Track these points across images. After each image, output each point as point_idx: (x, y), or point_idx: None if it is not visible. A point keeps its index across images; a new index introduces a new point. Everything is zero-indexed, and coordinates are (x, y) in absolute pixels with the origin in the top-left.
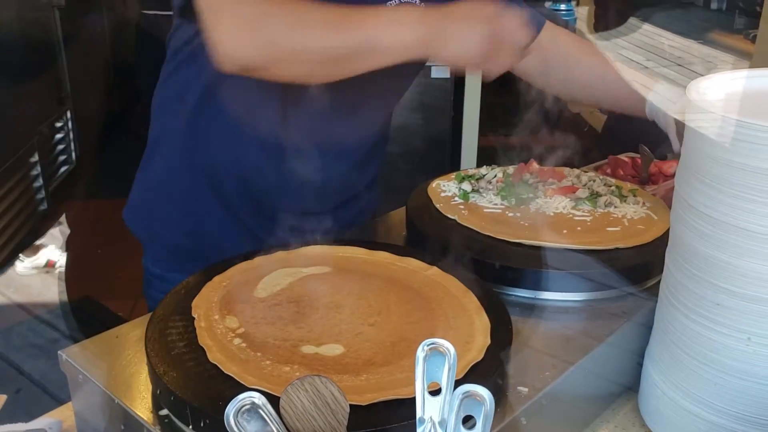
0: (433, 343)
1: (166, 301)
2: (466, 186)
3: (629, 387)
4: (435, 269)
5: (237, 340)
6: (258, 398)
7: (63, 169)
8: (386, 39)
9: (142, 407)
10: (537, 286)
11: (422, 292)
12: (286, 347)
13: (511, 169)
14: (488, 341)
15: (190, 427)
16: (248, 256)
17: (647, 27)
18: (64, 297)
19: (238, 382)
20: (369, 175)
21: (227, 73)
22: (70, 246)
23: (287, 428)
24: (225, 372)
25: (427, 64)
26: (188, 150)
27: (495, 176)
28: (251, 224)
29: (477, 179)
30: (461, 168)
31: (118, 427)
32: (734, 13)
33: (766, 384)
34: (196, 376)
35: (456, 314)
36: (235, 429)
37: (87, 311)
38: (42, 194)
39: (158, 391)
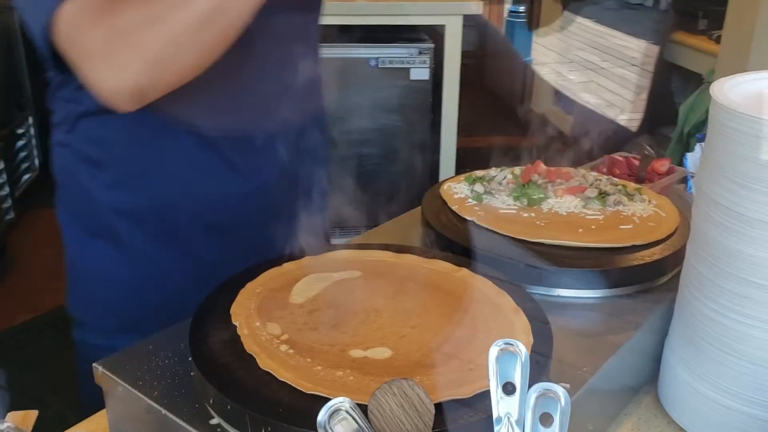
0: (505, 343)
1: (202, 310)
2: (479, 188)
3: (649, 380)
4: (465, 270)
5: (284, 347)
6: (348, 403)
7: (26, 176)
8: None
9: (191, 417)
10: (561, 284)
11: (456, 293)
12: (335, 352)
13: (518, 170)
14: (531, 340)
15: None
16: (276, 262)
17: (600, 28)
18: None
19: (293, 388)
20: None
21: (125, 111)
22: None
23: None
24: (279, 378)
25: (407, 66)
26: (126, 208)
27: (505, 177)
28: (211, 259)
29: (488, 181)
30: (440, 170)
31: None
32: (697, 13)
33: None
34: (249, 384)
35: (494, 315)
36: None
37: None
38: (8, 203)
39: (211, 400)
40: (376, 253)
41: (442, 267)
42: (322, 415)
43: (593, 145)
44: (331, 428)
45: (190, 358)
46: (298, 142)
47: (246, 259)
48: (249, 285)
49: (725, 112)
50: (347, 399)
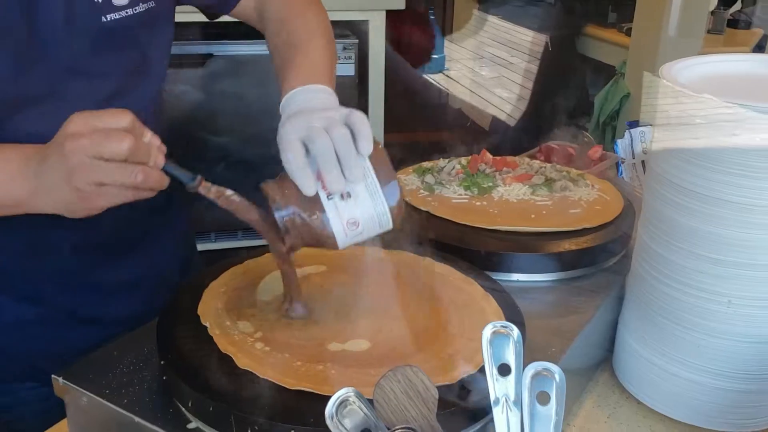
0: (499, 326)
1: (166, 313)
2: (430, 179)
3: (604, 358)
4: (429, 260)
5: (259, 345)
6: (354, 394)
7: None
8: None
9: (167, 423)
10: (521, 269)
11: (424, 283)
12: (312, 346)
13: (464, 161)
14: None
15: None
16: (238, 260)
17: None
18: None
19: (274, 385)
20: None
21: None
22: None
23: (382, 420)
24: (259, 377)
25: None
26: None
27: (453, 168)
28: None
29: (437, 171)
30: None
31: None
32: (606, 7)
33: (745, 341)
34: (229, 385)
35: (465, 302)
36: (338, 426)
37: None
38: None
39: (189, 404)
40: None
41: (407, 257)
42: (330, 407)
43: (511, 137)
44: (339, 420)
45: (162, 362)
46: None
47: (108, 296)
48: (213, 284)
49: (677, 96)
50: (353, 389)
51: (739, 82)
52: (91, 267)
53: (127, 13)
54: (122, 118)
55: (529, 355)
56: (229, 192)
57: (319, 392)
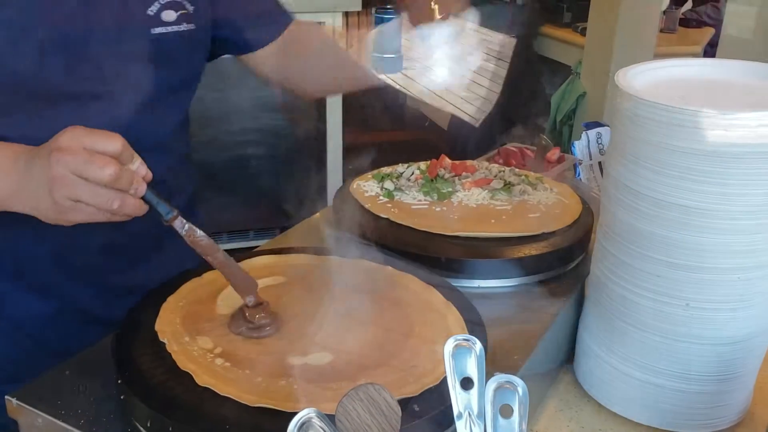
0: (461, 339)
1: (123, 329)
2: (389, 185)
3: (565, 361)
4: (390, 269)
5: (219, 360)
6: (316, 414)
7: None
8: None
9: None
10: (482, 275)
11: (385, 292)
12: (274, 361)
13: (424, 166)
14: (466, 332)
15: None
16: (196, 273)
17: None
18: None
19: (235, 402)
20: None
21: None
22: None
23: None
24: (219, 394)
25: None
26: None
27: (413, 173)
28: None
29: (396, 177)
30: (327, 167)
31: None
32: (561, 6)
33: (703, 343)
34: (189, 403)
35: (425, 310)
36: None
37: None
38: None
39: (148, 423)
40: (296, 257)
41: (367, 266)
42: (291, 429)
43: (470, 137)
44: None
45: (119, 381)
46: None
47: (117, 299)
48: (170, 299)
49: (634, 101)
50: (314, 409)
51: (692, 87)
52: (109, 268)
53: (173, 29)
54: (113, 143)
55: (490, 362)
56: (199, 233)
57: (280, 409)
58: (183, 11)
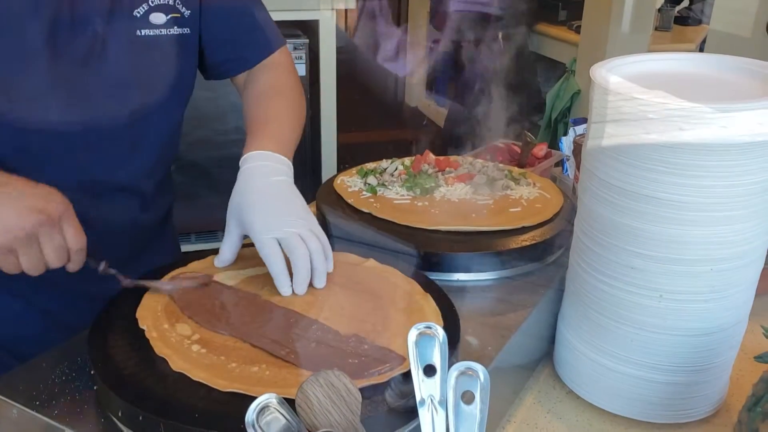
0: (423, 327)
1: (100, 320)
2: (372, 180)
3: (545, 354)
4: (372, 261)
5: (195, 347)
6: (276, 399)
7: None
8: None
9: None
10: (460, 268)
11: (365, 283)
12: (249, 348)
13: (408, 161)
14: (442, 323)
15: None
16: (181, 263)
17: None
18: None
19: (208, 392)
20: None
21: None
22: None
23: (304, 425)
24: (193, 379)
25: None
26: None
27: (396, 169)
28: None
29: (380, 173)
30: (322, 166)
31: None
32: (557, 4)
33: (677, 335)
34: (160, 392)
35: (404, 301)
36: None
37: None
38: None
39: (119, 413)
40: None
41: (351, 259)
42: (250, 414)
43: (466, 134)
44: (260, 426)
45: (92, 372)
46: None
47: (84, 305)
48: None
49: (608, 95)
50: (274, 395)
51: (669, 81)
52: (78, 275)
53: (161, 32)
54: (80, 241)
55: (465, 354)
56: (126, 281)
57: (250, 393)
58: (175, 14)
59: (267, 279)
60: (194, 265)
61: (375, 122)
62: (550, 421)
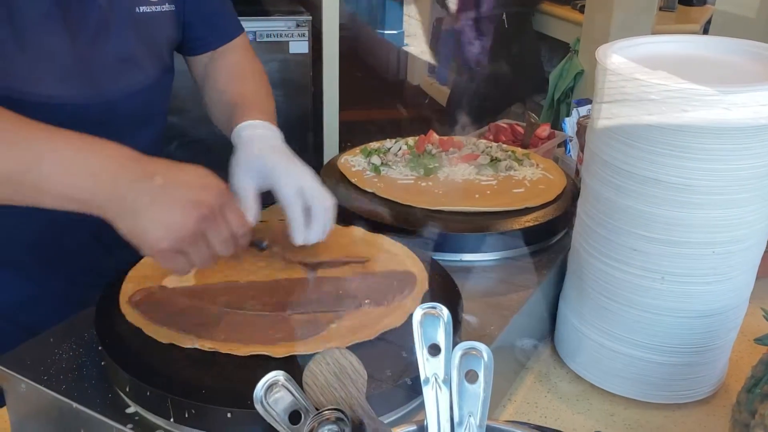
0: (428, 307)
1: (106, 297)
2: (376, 160)
3: (546, 335)
4: (359, 229)
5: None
6: (283, 376)
7: None
8: (53, 181)
9: (105, 408)
10: (464, 249)
11: (352, 248)
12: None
13: (411, 141)
14: (426, 275)
15: (171, 420)
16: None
17: None
18: None
19: (215, 368)
20: None
21: None
22: None
23: (311, 402)
24: (200, 360)
25: (286, 40)
26: None
27: (400, 149)
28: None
29: (383, 152)
30: (324, 144)
31: None
32: None
33: (678, 316)
34: (167, 369)
35: (388, 259)
36: (267, 410)
37: None
38: None
39: (127, 388)
40: (280, 224)
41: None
42: (258, 390)
43: (469, 114)
44: (268, 403)
45: (99, 347)
46: None
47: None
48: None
49: (612, 76)
50: (282, 372)
51: (675, 63)
52: (88, 254)
53: (155, 9)
54: (245, 225)
55: (467, 333)
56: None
57: (270, 354)
58: None
59: (218, 264)
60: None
61: (376, 100)
62: (551, 401)
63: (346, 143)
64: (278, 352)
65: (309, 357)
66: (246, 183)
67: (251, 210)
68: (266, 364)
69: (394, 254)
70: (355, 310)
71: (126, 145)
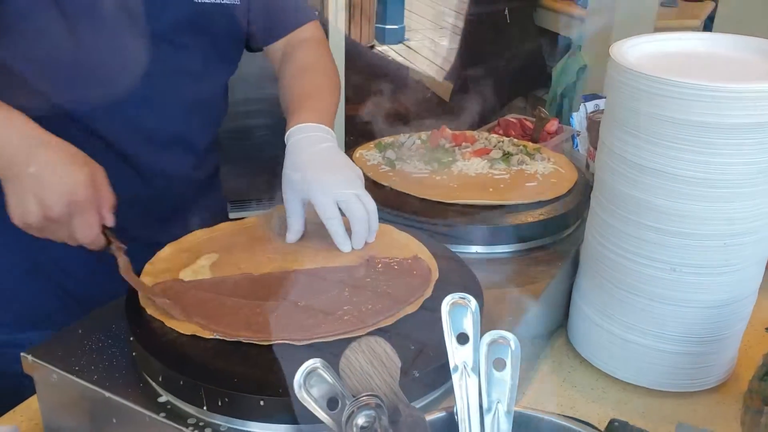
0: (457, 298)
1: (134, 289)
2: (391, 154)
3: (559, 325)
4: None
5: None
6: (320, 364)
7: None
8: None
9: (138, 398)
10: (479, 241)
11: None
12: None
13: (425, 136)
14: (435, 262)
15: (204, 408)
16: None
17: None
18: None
19: (246, 357)
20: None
21: None
22: None
23: (347, 389)
24: (229, 350)
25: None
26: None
27: (414, 143)
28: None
29: (398, 147)
30: None
31: (109, 421)
32: None
33: (690, 307)
34: (199, 358)
35: (398, 249)
36: (307, 396)
37: None
38: None
39: (160, 378)
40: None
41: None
42: (299, 377)
43: (473, 109)
44: (308, 390)
45: (131, 338)
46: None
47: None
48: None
49: (624, 72)
50: (320, 360)
51: (684, 60)
52: (138, 224)
53: (215, 0)
54: (110, 217)
55: (486, 324)
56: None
57: (294, 343)
58: None
59: (232, 257)
60: (200, 233)
61: (378, 95)
62: (565, 389)
63: (349, 137)
64: (299, 340)
65: (329, 345)
66: (290, 196)
67: (293, 227)
68: (290, 352)
69: (404, 244)
70: (371, 297)
71: (179, 131)
